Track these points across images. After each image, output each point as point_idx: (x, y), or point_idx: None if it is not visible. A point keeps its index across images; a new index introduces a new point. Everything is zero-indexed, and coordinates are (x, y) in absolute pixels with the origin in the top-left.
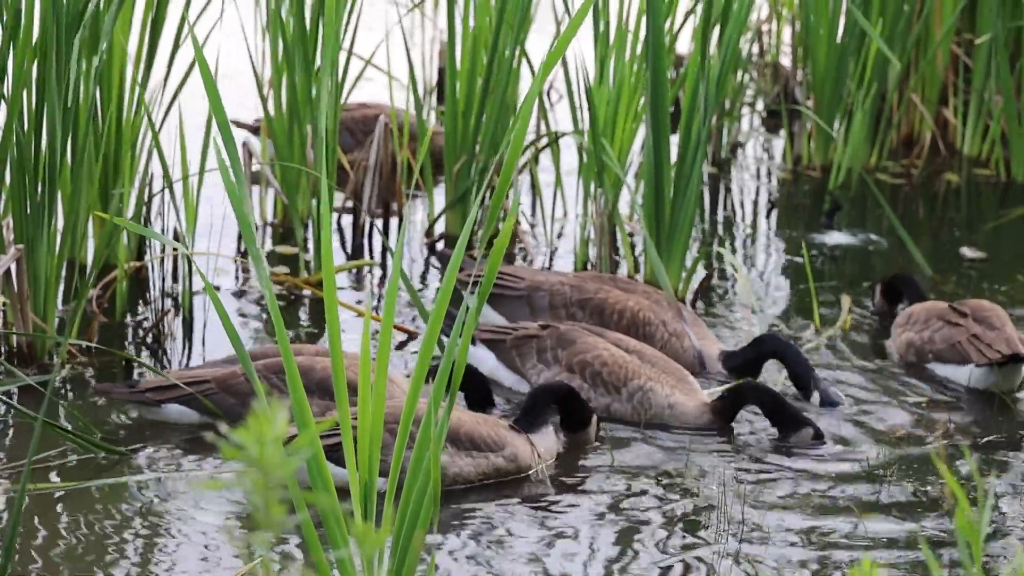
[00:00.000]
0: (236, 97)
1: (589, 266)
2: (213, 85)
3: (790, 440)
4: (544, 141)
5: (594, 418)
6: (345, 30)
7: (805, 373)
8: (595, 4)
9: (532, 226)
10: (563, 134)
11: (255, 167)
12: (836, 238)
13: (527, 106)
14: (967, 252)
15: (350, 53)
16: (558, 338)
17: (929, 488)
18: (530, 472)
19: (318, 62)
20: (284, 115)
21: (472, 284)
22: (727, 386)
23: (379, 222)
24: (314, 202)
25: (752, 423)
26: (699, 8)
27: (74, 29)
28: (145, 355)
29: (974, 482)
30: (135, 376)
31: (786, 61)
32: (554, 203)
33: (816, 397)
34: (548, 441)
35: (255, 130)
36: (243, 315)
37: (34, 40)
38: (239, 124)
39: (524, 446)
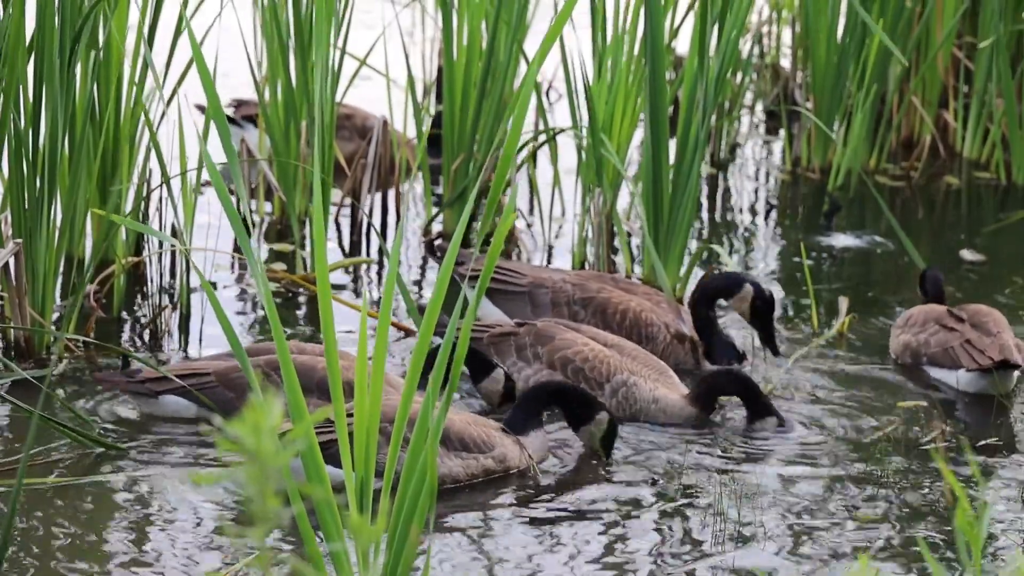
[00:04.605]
0: (233, 93)
1: (587, 266)
2: (211, 84)
3: (755, 427)
4: (542, 139)
5: (601, 415)
6: (339, 28)
7: (732, 274)
8: (593, 2)
9: (529, 225)
10: (561, 130)
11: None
12: (835, 240)
13: (524, 92)
14: (967, 255)
15: (343, 51)
16: (536, 335)
17: (926, 489)
18: (518, 470)
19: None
20: (280, 111)
21: (469, 278)
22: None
23: (376, 220)
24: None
25: (742, 421)
26: (697, 7)
27: (75, 28)
28: (142, 351)
29: (973, 482)
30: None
31: (786, 63)
32: (552, 202)
33: (748, 289)
34: (538, 443)
35: (233, 120)
36: (240, 311)
37: (30, 36)
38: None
39: (513, 448)
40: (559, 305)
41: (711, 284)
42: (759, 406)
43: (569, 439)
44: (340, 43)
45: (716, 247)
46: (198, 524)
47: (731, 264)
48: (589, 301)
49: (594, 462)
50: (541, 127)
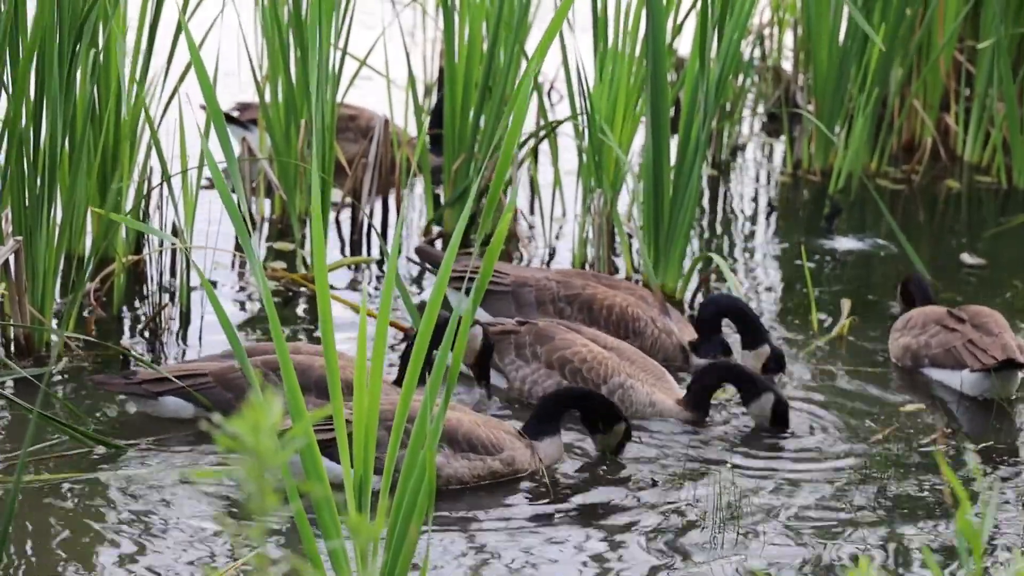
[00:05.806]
0: (236, 93)
1: (587, 267)
2: (209, 85)
3: (751, 407)
4: (543, 135)
5: (619, 425)
6: (340, 29)
7: (758, 327)
8: (595, 4)
9: (531, 227)
10: (562, 121)
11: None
12: (836, 243)
13: (524, 86)
14: (967, 259)
15: (344, 52)
16: (536, 334)
17: (927, 491)
18: (527, 473)
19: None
20: (281, 111)
21: (459, 280)
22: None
23: (377, 221)
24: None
25: (742, 423)
26: (699, 7)
27: (76, 27)
28: (142, 349)
29: (973, 485)
30: (131, 368)
31: (787, 65)
32: (552, 203)
33: (766, 348)
34: (552, 448)
35: (240, 121)
36: (240, 310)
37: (30, 34)
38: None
39: (523, 451)
40: (544, 303)
41: (728, 306)
42: (752, 386)
43: (572, 441)
44: (340, 43)
45: (715, 256)
46: (197, 522)
47: (732, 281)
48: (574, 298)
49: (595, 463)
50: (542, 124)
